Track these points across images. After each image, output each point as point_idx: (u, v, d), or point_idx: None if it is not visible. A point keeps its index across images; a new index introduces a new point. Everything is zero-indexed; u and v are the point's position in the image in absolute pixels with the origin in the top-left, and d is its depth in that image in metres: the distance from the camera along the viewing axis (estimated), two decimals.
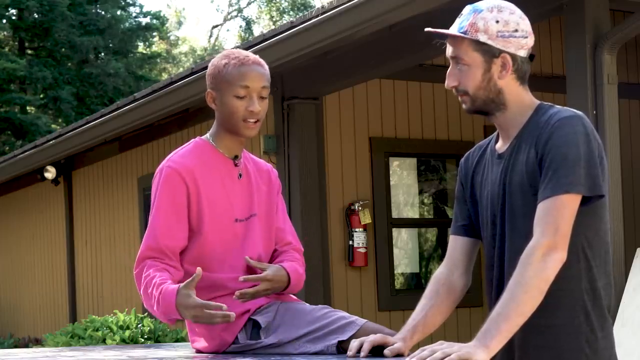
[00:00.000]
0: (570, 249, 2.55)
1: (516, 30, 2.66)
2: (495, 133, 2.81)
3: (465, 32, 2.65)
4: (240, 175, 3.08)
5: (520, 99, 2.70)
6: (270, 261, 3.12)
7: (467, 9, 2.70)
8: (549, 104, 2.73)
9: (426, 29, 2.75)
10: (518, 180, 2.65)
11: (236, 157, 3.08)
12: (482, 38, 2.64)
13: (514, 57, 2.66)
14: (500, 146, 2.75)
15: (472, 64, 2.66)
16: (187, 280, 2.81)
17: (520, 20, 2.67)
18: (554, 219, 2.51)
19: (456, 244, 2.85)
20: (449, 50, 2.72)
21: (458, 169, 2.91)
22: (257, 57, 3.06)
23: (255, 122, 3.00)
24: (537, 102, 2.74)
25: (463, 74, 2.68)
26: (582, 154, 2.54)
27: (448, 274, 2.81)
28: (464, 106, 2.74)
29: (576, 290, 2.61)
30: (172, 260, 2.97)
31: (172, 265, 2.96)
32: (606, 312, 2.66)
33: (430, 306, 2.76)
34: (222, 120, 3.04)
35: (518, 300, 2.46)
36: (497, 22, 2.64)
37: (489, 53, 2.65)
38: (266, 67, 3.07)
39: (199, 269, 2.81)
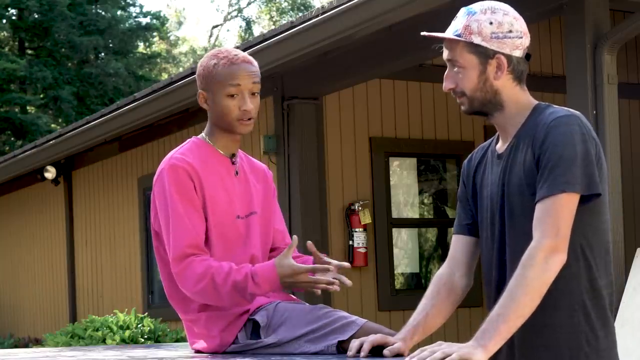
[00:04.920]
0: (568, 248, 2.55)
1: (510, 31, 2.66)
2: (497, 134, 2.82)
3: (459, 35, 2.67)
4: (237, 172, 3.09)
5: (516, 98, 2.71)
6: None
7: (462, 11, 2.71)
8: (546, 103, 2.74)
9: (422, 33, 2.77)
10: (516, 181, 2.65)
11: (233, 155, 3.09)
12: (476, 40, 2.65)
13: (509, 57, 2.67)
14: (500, 146, 2.77)
15: (468, 66, 2.68)
16: (284, 251, 2.89)
17: (514, 21, 2.68)
18: (554, 219, 2.52)
19: (459, 243, 2.85)
20: (445, 53, 2.74)
21: (461, 170, 2.92)
22: (245, 54, 3.06)
23: (249, 119, 3.02)
24: (535, 102, 2.75)
25: (459, 76, 2.70)
26: (578, 153, 2.55)
27: (450, 274, 2.81)
28: (462, 108, 2.76)
29: (575, 290, 2.61)
30: (208, 254, 2.97)
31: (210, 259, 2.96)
32: (608, 312, 2.65)
33: (432, 306, 2.76)
34: (216, 119, 3.05)
35: (518, 302, 2.46)
36: (491, 23, 2.65)
37: (484, 55, 2.66)
38: (255, 64, 3.07)
39: (295, 237, 2.89)
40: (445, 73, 2.74)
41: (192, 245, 2.94)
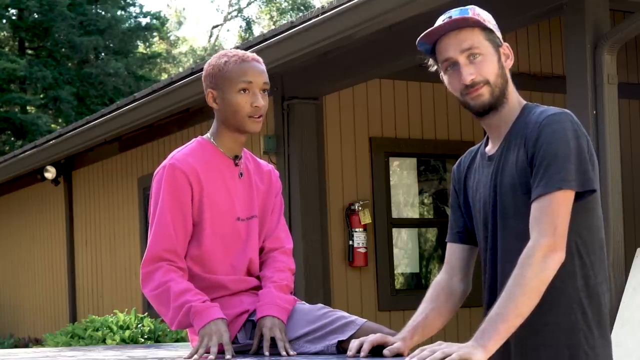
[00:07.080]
0: None
1: (496, 25, 2.74)
2: (485, 137, 2.82)
3: (477, 22, 2.67)
4: (241, 174, 3.08)
5: (512, 92, 2.73)
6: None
7: (455, 11, 2.69)
8: (535, 104, 2.74)
9: (422, 34, 2.73)
10: (508, 181, 2.65)
11: (237, 157, 3.08)
12: (490, 27, 2.69)
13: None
14: (490, 148, 2.77)
15: (487, 52, 2.67)
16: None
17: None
18: (551, 218, 2.51)
19: (453, 251, 2.86)
20: (459, 45, 2.66)
21: (451, 176, 2.91)
22: (255, 55, 3.07)
23: (259, 116, 3.01)
24: (524, 101, 2.76)
25: (481, 64, 2.66)
26: (572, 150, 2.55)
27: (448, 279, 2.83)
28: (479, 100, 2.66)
29: (571, 288, 2.61)
30: (183, 263, 2.98)
31: (183, 269, 2.97)
32: (603, 310, 2.65)
33: (431, 309, 2.77)
34: (225, 118, 3.02)
35: (516, 301, 2.46)
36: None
37: (495, 42, 2.70)
38: (263, 64, 3.08)
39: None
40: (462, 65, 2.66)
41: (168, 250, 2.95)
